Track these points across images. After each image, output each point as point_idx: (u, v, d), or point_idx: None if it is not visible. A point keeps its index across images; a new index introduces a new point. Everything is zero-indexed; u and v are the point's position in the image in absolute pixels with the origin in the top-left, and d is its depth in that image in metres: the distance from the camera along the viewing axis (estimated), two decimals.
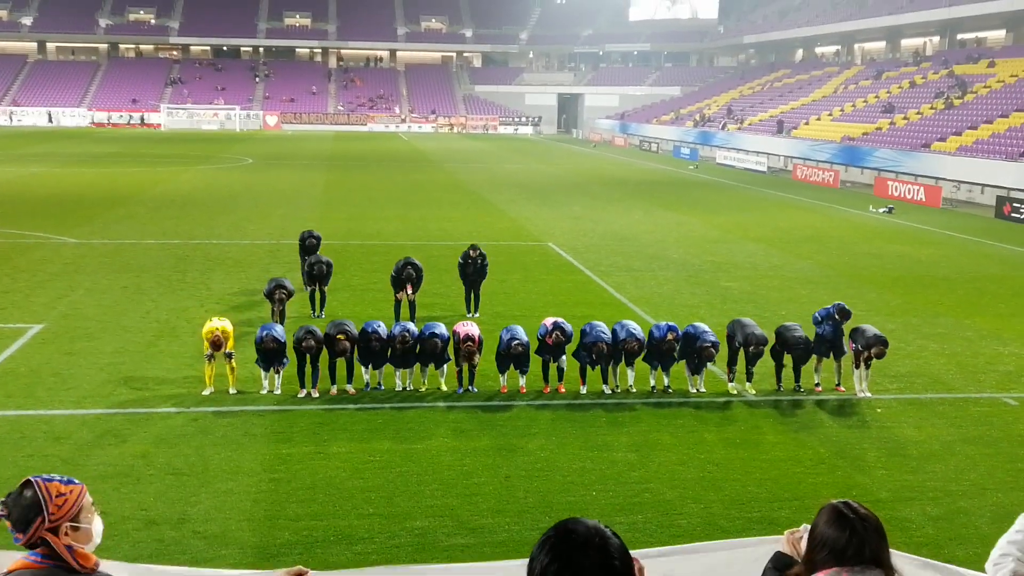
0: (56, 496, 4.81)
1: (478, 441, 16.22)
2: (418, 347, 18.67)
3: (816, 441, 16.63)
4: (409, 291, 23.38)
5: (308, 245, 27.60)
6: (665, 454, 15.80)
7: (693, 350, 19.02)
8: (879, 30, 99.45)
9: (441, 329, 18.88)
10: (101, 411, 17.27)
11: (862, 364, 19.14)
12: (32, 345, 21.55)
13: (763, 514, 13.52)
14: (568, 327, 19.05)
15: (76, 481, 5.01)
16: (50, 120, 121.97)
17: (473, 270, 24.92)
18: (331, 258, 25.49)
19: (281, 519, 13.05)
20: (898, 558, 4.85)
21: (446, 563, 10.77)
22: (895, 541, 4.34)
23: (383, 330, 18.77)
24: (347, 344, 18.24)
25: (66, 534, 4.81)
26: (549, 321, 19.24)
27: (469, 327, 19.19)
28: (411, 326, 19.22)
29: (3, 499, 4.87)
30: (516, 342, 18.66)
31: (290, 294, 22.72)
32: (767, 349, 19.34)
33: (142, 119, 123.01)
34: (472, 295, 25.15)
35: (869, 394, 19.20)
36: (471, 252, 25.04)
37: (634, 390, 19.17)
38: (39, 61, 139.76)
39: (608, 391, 19.11)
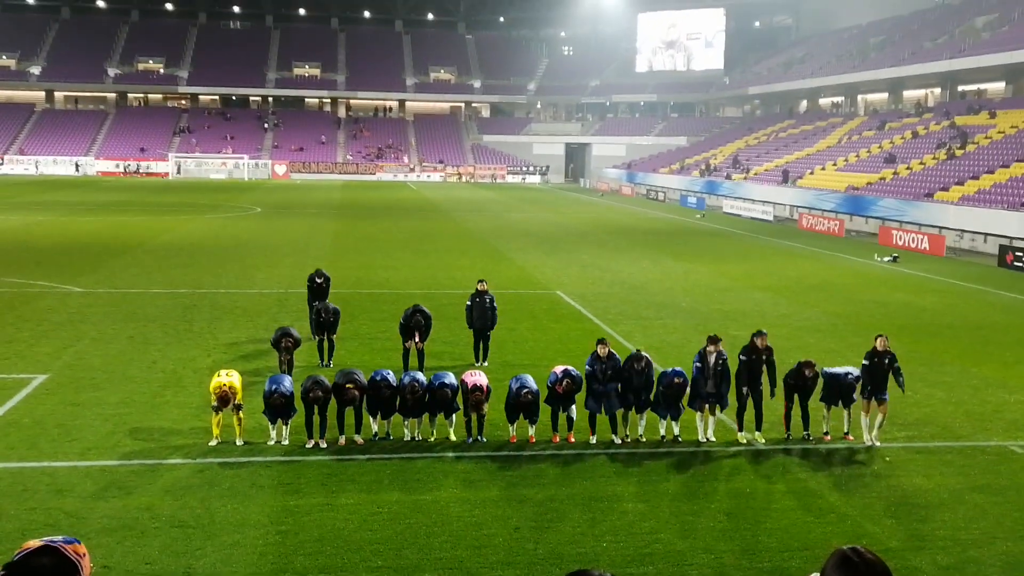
0: (83, 556, 4.67)
1: (487, 492, 16.14)
2: (427, 397, 18.63)
3: (826, 490, 16.55)
4: (417, 339, 23.40)
5: (316, 287, 27.65)
6: (675, 504, 15.72)
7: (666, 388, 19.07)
8: (882, 82, 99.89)
9: (450, 379, 18.84)
10: (106, 463, 17.17)
11: (872, 412, 19.15)
12: (36, 396, 21.47)
13: (774, 564, 13.43)
14: (578, 374, 19.00)
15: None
16: (76, 169, 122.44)
17: (480, 311, 24.80)
18: (339, 306, 25.47)
19: (288, 572, 12.96)
20: None
21: None
22: None
23: (392, 379, 18.74)
24: (355, 393, 18.20)
25: None
26: (559, 369, 19.19)
27: (477, 376, 19.15)
28: (420, 376, 19.20)
29: (3, 571, 4.55)
30: (525, 391, 18.63)
31: (297, 343, 22.68)
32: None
33: (138, 168, 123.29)
34: (481, 344, 25.12)
35: (878, 443, 19.12)
36: (478, 286, 25.07)
37: (644, 439, 19.10)
38: (47, 110, 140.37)
39: (618, 440, 19.04)
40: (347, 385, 18.22)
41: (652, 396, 19.23)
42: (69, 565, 4.49)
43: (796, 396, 19.48)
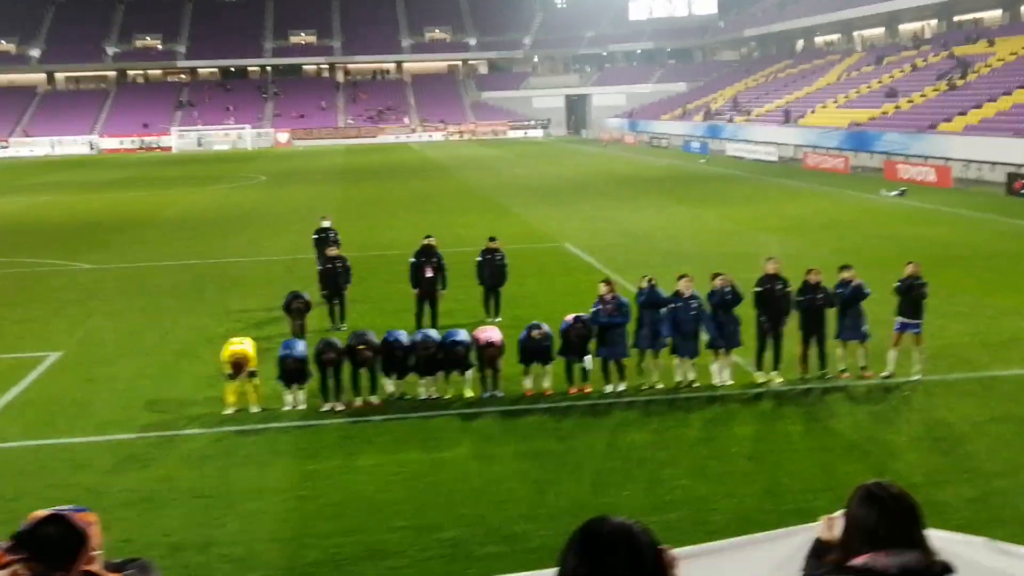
0: (92, 524, 4.58)
1: (506, 447, 16.09)
2: (441, 355, 18.56)
3: (846, 428, 16.48)
4: (428, 272, 23.49)
5: (324, 237, 27.87)
6: (695, 449, 15.67)
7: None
8: (877, 16, 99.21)
9: (463, 336, 18.78)
10: (123, 436, 17.17)
11: (905, 345, 19.12)
12: (51, 373, 21.50)
13: (797, 505, 13.33)
14: (589, 318, 18.95)
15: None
16: (91, 148, 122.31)
17: (491, 268, 24.74)
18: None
19: (309, 537, 12.91)
20: (939, 538, 4.70)
21: None
22: (932, 526, 4.21)
23: (404, 339, 18.67)
24: (369, 354, 18.14)
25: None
26: (570, 317, 19.12)
27: (490, 332, 19.09)
28: (433, 333, 19.19)
29: (12, 541, 4.47)
30: (537, 330, 18.60)
31: (308, 305, 22.66)
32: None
33: (143, 143, 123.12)
34: (492, 299, 25.03)
35: (917, 376, 19.03)
36: (489, 244, 24.96)
37: (660, 386, 19.02)
38: (48, 92, 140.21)
39: (621, 387, 18.97)
40: (360, 347, 18.15)
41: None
42: (77, 533, 4.43)
43: (813, 336, 19.34)
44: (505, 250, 25.30)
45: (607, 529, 3.24)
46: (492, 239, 25.26)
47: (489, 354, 18.48)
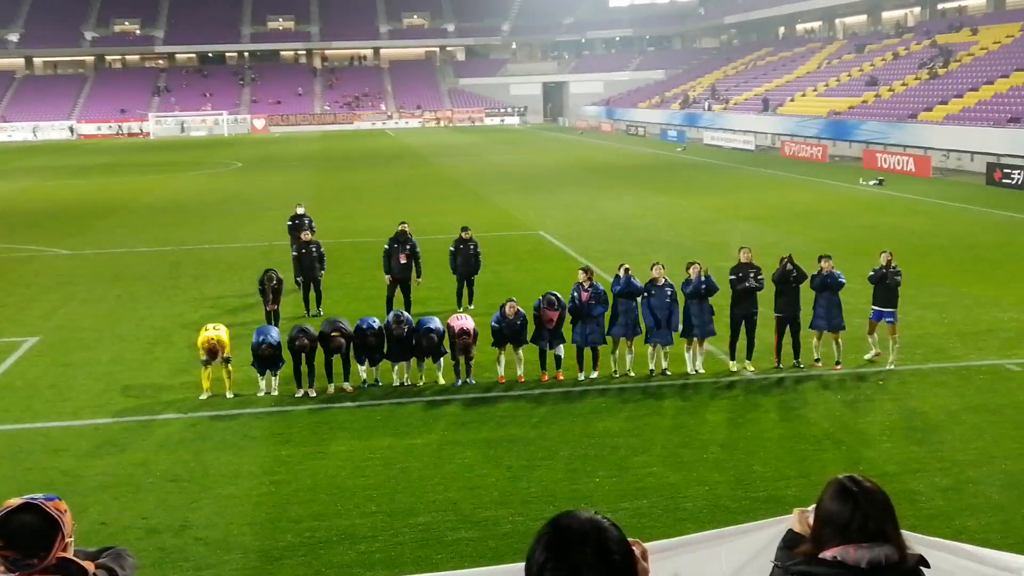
0: (64, 512, 4.57)
1: (478, 433, 16.13)
2: (414, 340, 18.57)
3: (819, 417, 16.55)
4: (402, 259, 23.63)
5: (299, 223, 27.83)
6: (667, 437, 15.72)
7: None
8: (860, 3, 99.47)
9: (436, 323, 18.80)
10: (99, 421, 17.18)
11: (883, 335, 19.25)
12: (28, 358, 21.46)
13: (769, 493, 13.42)
14: (557, 297, 18.98)
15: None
16: (72, 133, 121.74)
17: (464, 257, 24.71)
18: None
19: (283, 521, 12.95)
20: (915, 541, 4.73)
21: (451, 570, 10.71)
22: (905, 514, 4.24)
23: (377, 325, 18.69)
24: (342, 341, 18.16)
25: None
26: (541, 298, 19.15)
27: (464, 320, 19.12)
28: (404, 313, 19.22)
29: None
30: (511, 304, 18.85)
31: (280, 281, 22.74)
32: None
33: (120, 129, 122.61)
34: (465, 288, 25.04)
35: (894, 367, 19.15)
36: (462, 234, 24.89)
37: (632, 374, 19.08)
38: (27, 76, 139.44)
39: (594, 375, 19.04)
40: (333, 333, 18.19)
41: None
42: (51, 521, 4.42)
43: (787, 326, 19.43)
44: (481, 238, 25.32)
45: (576, 524, 3.23)
46: (465, 228, 25.23)
47: (462, 342, 18.51)
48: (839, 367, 19.29)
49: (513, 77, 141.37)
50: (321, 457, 15.14)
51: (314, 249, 24.73)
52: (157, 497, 13.79)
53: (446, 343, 18.84)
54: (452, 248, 24.90)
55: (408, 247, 24.14)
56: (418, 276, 24.37)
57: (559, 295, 19.12)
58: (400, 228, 24.55)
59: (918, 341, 21.05)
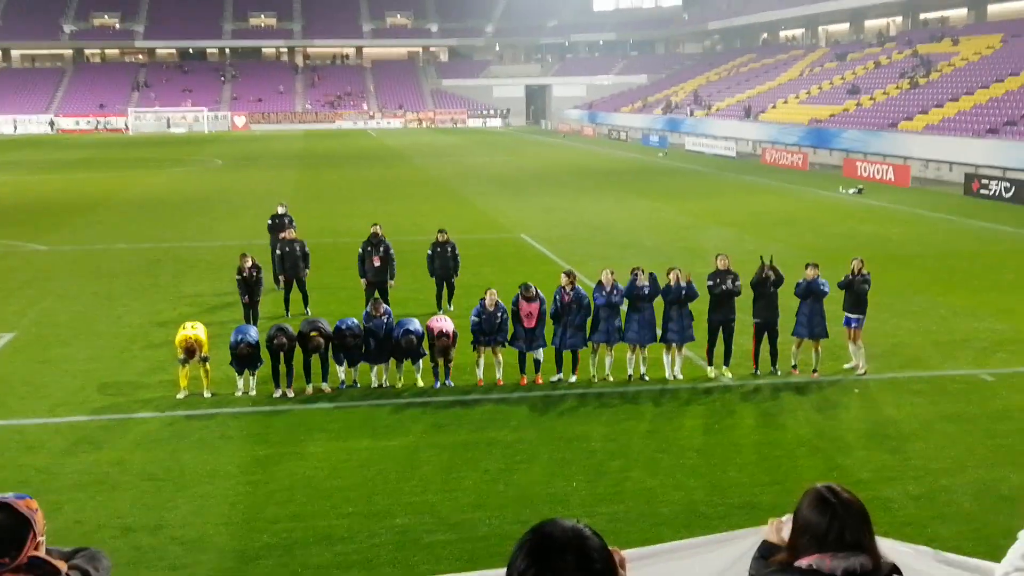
0: (36, 511, 4.56)
1: (456, 436, 16.14)
2: (393, 342, 18.58)
3: (796, 424, 16.61)
4: (376, 262, 23.54)
5: (279, 223, 27.81)
6: (644, 442, 15.75)
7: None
8: (842, 12, 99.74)
9: (415, 325, 18.81)
10: (75, 418, 17.12)
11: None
12: (3, 354, 21.38)
13: (745, 499, 13.47)
14: (537, 289, 19.13)
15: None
16: (52, 128, 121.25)
17: (442, 260, 24.63)
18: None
19: (259, 521, 12.93)
20: (886, 546, 4.76)
21: (428, 574, 10.71)
22: (878, 521, 4.26)
23: (356, 326, 18.68)
24: (320, 341, 18.15)
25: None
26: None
27: (443, 322, 19.13)
28: (382, 302, 19.30)
29: None
30: (490, 295, 18.91)
31: (257, 266, 22.76)
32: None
33: (98, 124, 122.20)
34: (445, 288, 25.02)
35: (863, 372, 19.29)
36: (439, 236, 24.82)
37: (611, 379, 19.12)
38: (4, 69, 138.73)
39: (573, 379, 19.10)
40: (311, 333, 18.19)
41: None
42: (22, 519, 4.41)
43: (765, 333, 19.51)
44: (462, 240, 25.33)
45: (558, 532, 3.25)
46: (442, 231, 25.15)
47: (441, 344, 18.52)
48: (816, 375, 19.39)
49: (496, 79, 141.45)
50: (298, 458, 15.13)
51: (298, 248, 24.68)
52: (133, 496, 13.75)
53: (425, 345, 18.86)
54: (430, 251, 24.83)
55: (381, 249, 24.07)
56: (391, 278, 24.29)
57: (535, 286, 19.13)
58: (373, 230, 24.47)
59: (894, 350, 21.16)
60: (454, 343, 18.80)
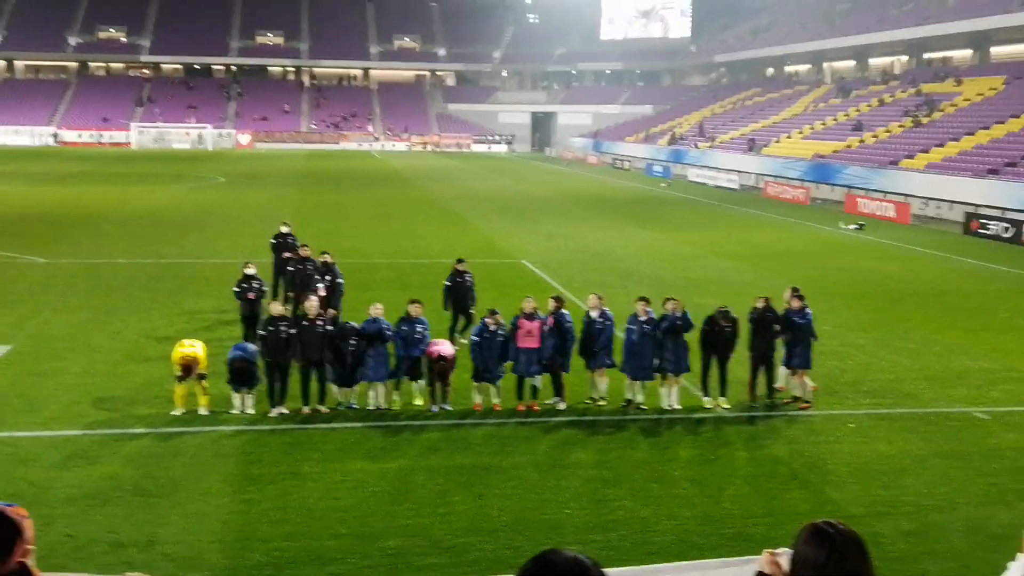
0: (25, 517, 4.59)
1: (451, 460, 16.15)
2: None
3: (789, 457, 16.62)
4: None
5: (283, 242, 28.05)
6: (639, 471, 15.76)
7: None
8: (848, 49, 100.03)
9: (416, 351, 18.90)
10: (69, 433, 17.10)
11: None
12: None
13: (737, 531, 13.49)
14: (537, 310, 19.26)
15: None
16: (55, 140, 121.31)
17: (460, 292, 24.02)
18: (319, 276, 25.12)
19: (252, 540, 12.93)
20: None
21: None
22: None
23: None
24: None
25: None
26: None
27: (442, 346, 19.17)
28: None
29: None
30: (493, 317, 19.05)
31: (261, 283, 23.12)
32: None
33: (101, 137, 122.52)
34: (461, 320, 24.23)
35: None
36: (458, 266, 24.32)
37: (605, 404, 19.17)
38: (7, 80, 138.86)
39: (562, 406, 19.18)
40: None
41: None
42: (12, 525, 4.45)
43: (761, 365, 19.58)
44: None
45: (560, 561, 3.28)
46: (460, 260, 24.66)
47: (440, 367, 18.55)
48: (807, 407, 19.42)
49: (502, 105, 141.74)
50: (293, 477, 15.14)
51: (310, 267, 24.75)
52: (125, 511, 13.75)
53: (423, 368, 18.96)
54: (448, 282, 24.12)
55: (328, 279, 24.19)
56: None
57: (535, 304, 19.25)
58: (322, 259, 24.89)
59: (889, 386, 21.18)
60: (452, 367, 18.84)
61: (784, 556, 4.64)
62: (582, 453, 16.62)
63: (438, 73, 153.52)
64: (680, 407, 19.23)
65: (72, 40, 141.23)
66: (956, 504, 14.67)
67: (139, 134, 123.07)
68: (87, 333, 24.51)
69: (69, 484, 14.66)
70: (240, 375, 18.11)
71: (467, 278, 24.29)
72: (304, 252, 25.45)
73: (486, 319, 19.13)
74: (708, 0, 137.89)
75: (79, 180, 70.93)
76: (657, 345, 19.15)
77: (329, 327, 18.69)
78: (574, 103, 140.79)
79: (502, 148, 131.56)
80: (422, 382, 19.05)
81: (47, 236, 41.11)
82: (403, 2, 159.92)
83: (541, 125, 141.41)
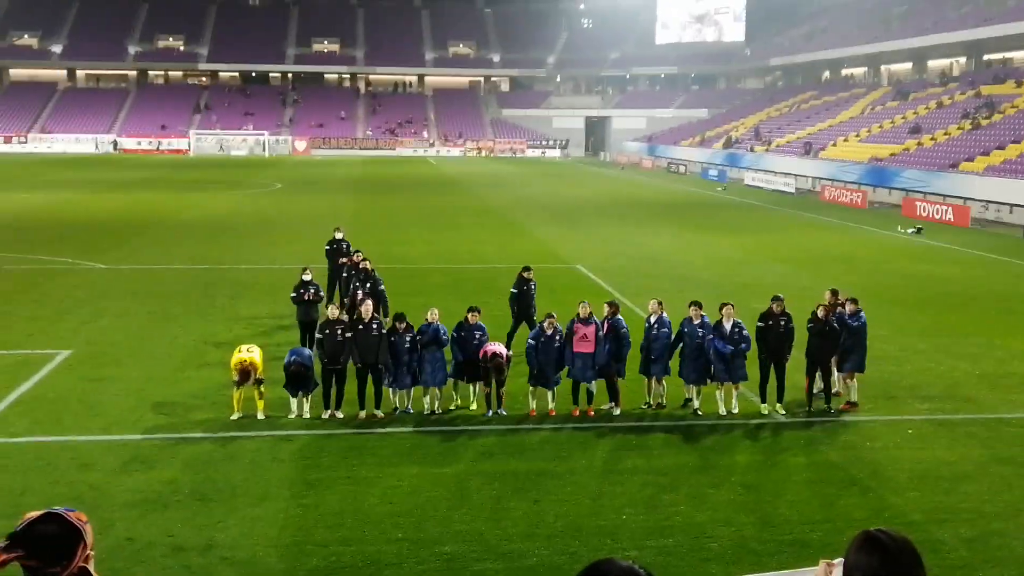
0: (86, 523, 4.61)
1: (506, 465, 16.15)
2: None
3: (847, 462, 16.48)
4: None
5: (337, 248, 28.43)
6: (695, 477, 15.68)
7: None
8: (905, 51, 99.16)
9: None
10: (128, 437, 17.28)
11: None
12: (59, 371, 21.60)
13: (795, 536, 13.39)
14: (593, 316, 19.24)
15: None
16: (115, 148, 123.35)
17: (526, 300, 23.96)
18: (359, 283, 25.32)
19: (309, 545, 13.00)
20: None
21: None
22: (928, 564, 4.22)
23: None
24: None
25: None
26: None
27: (496, 345, 19.20)
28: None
29: (7, 540, 4.36)
30: (548, 321, 19.17)
31: (316, 286, 23.24)
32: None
33: (159, 144, 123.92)
34: (523, 326, 23.96)
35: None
36: (524, 274, 24.27)
37: (662, 410, 19.16)
38: (69, 88, 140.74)
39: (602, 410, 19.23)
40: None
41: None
42: (74, 530, 4.46)
43: (818, 370, 19.43)
44: (517, 269, 25.18)
45: (615, 571, 3.27)
46: (527, 268, 24.63)
47: (495, 363, 18.56)
48: (853, 407, 19.33)
49: (556, 110, 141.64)
50: (349, 482, 15.20)
51: (362, 275, 24.90)
52: (184, 515, 13.87)
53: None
54: (515, 289, 24.14)
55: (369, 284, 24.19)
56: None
57: (590, 307, 19.28)
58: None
59: (949, 391, 20.95)
60: (507, 365, 18.88)
61: (840, 566, 4.58)
62: (638, 459, 16.56)
63: (492, 79, 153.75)
64: (736, 412, 19.13)
65: (132, 49, 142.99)
66: (1019, 511, 14.47)
67: (197, 141, 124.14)
68: (146, 338, 24.74)
69: (128, 488, 14.81)
70: (296, 379, 18.24)
71: (532, 286, 24.23)
72: (357, 259, 25.60)
73: (542, 323, 19.13)
74: (763, 3, 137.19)
75: (138, 187, 71.63)
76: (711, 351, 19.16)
77: (383, 330, 18.80)
78: (628, 107, 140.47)
79: (556, 153, 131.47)
80: (479, 385, 19.09)
81: (106, 242, 41.56)
82: (457, 8, 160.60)
83: (595, 129, 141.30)
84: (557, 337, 18.93)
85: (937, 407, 19.82)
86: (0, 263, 36.02)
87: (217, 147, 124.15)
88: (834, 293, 20.51)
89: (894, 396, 20.27)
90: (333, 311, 19.51)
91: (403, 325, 18.87)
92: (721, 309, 19.45)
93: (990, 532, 13.71)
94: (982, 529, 13.79)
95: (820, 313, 19.32)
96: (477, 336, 19.07)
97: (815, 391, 19.64)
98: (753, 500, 14.72)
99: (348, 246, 28.35)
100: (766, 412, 19.19)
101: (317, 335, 19.10)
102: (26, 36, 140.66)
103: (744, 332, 19.18)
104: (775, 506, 14.49)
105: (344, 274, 26.02)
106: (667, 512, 14.20)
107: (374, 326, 18.75)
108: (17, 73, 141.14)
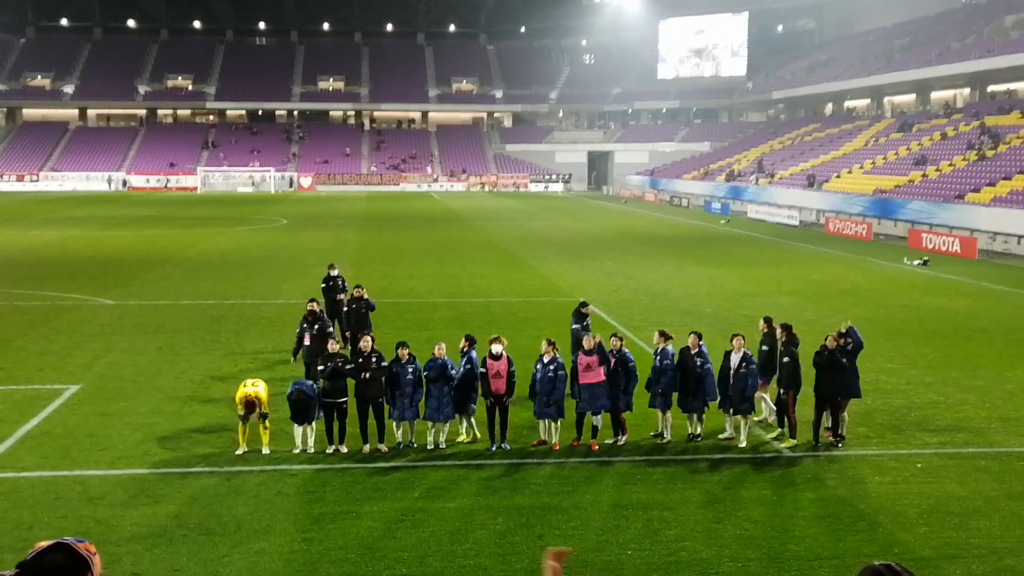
0: (94, 554, 4.59)
1: (511, 499, 16.08)
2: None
3: (856, 497, 16.38)
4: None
5: (332, 285, 28.73)
6: (701, 511, 15.60)
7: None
8: (908, 83, 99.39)
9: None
10: (135, 471, 17.27)
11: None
12: (68, 406, 21.62)
13: (803, 573, 13.30)
14: (601, 345, 19.20)
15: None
16: (124, 185, 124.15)
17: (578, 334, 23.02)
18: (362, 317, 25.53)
19: None
20: None
21: None
22: None
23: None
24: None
25: None
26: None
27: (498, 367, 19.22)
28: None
29: (17, 570, 4.44)
30: (548, 346, 19.13)
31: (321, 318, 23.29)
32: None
33: (167, 182, 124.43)
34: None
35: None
36: (582, 310, 23.92)
37: (668, 437, 19.13)
38: (80, 128, 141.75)
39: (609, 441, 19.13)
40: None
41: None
42: (81, 561, 4.45)
43: (827, 404, 19.34)
44: (521, 303, 25.35)
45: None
46: (584, 304, 24.33)
47: (495, 386, 18.56)
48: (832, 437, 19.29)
49: (559, 144, 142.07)
50: (353, 517, 15.15)
51: (363, 306, 25.24)
52: (189, 550, 13.84)
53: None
54: (575, 325, 23.72)
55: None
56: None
57: (601, 342, 19.18)
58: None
59: (958, 425, 20.83)
60: (511, 380, 18.96)
61: None
62: (643, 493, 16.48)
63: (495, 114, 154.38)
64: (744, 445, 19.06)
65: (142, 89, 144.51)
66: None
67: (205, 178, 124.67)
68: (153, 373, 24.77)
69: (135, 522, 14.80)
70: (297, 407, 18.27)
71: (587, 322, 23.81)
72: (358, 293, 25.83)
73: (543, 353, 19.06)
74: (764, 38, 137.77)
75: (146, 224, 71.91)
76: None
77: (385, 363, 18.79)
78: (631, 141, 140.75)
79: (559, 187, 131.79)
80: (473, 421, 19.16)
81: (116, 279, 41.68)
82: (461, 45, 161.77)
83: (598, 164, 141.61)
84: (552, 366, 18.82)
85: (947, 440, 19.71)
86: (12, 299, 36.25)
87: (224, 184, 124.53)
88: (768, 322, 20.63)
89: (902, 430, 20.18)
90: (332, 346, 19.55)
91: (406, 353, 18.84)
92: (732, 340, 19.42)
93: (1002, 568, 13.60)
94: (994, 565, 13.68)
95: (829, 345, 19.23)
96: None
97: (823, 428, 19.58)
98: (760, 535, 14.62)
99: (343, 281, 28.59)
100: (774, 445, 19.12)
101: (319, 367, 19.06)
102: (39, 77, 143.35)
103: (752, 366, 19.13)
104: (782, 542, 14.40)
105: (345, 308, 26.20)
106: (672, 547, 14.11)
107: (373, 359, 18.77)
108: (30, 113, 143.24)
